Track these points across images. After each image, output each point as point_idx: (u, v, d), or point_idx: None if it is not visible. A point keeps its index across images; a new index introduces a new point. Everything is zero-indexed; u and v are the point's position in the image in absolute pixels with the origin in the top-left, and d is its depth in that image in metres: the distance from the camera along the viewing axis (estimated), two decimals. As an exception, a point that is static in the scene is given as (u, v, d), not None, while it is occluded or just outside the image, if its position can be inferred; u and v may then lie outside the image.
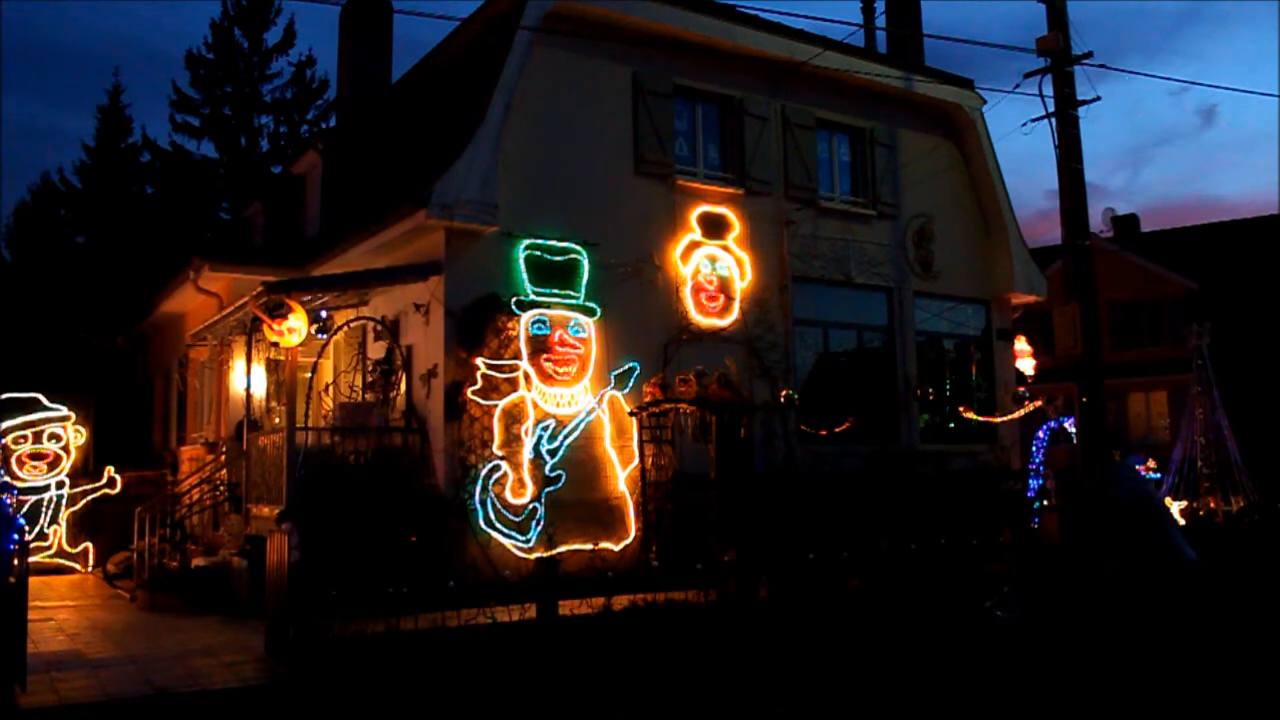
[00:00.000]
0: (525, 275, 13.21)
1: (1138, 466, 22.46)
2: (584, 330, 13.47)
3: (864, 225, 17.01)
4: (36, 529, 16.13)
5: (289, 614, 9.12)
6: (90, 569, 16.37)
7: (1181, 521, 17.89)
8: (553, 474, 12.88)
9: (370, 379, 14.38)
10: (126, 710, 7.66)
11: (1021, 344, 18.90)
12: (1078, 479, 13.63)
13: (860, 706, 8.25)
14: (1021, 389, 18.58)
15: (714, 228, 15.09)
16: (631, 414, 13.72)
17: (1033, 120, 13.74)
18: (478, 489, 12.42)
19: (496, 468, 12.54)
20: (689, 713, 8.08)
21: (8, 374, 20.90)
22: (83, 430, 17.34)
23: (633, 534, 13.40)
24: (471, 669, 8.67)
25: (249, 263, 17.01)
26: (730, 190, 15.45)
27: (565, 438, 13.08)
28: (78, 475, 17.09)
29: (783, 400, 15.19)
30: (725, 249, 15.15)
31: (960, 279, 18.11)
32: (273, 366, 15.36)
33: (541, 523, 12.68)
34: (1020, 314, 19.33)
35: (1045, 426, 16.88)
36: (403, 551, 10.87)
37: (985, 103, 18.31)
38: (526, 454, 12.71)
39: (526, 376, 12.86)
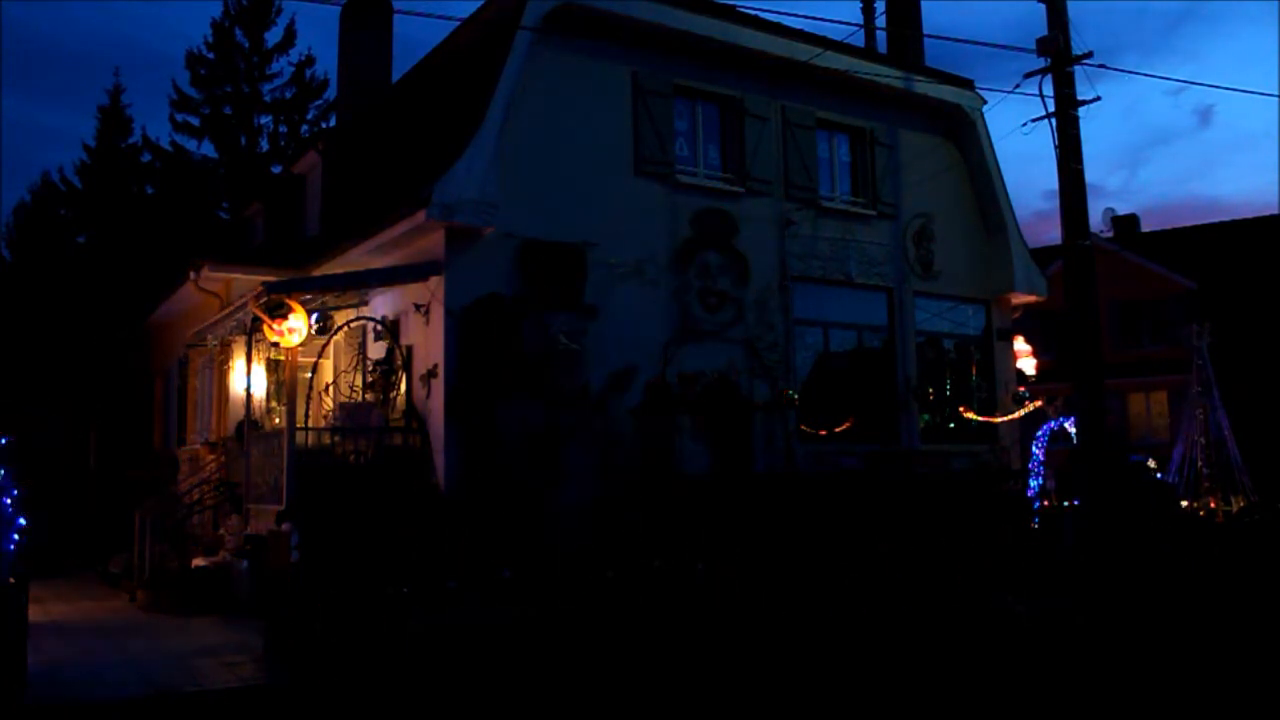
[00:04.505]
0: (525, 275, 13.20)
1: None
2: (584, 330, 13.45)
3: (864, 225, 17.00)
4: (37, 529, 16.11)
5: (289, 614, 9.13)
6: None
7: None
8: (553, 474, 12.87)
9: (370, 379, 14.38)
10: (126, 710, 7.67)
11: (1021, 344, 18.89)
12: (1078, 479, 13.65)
13: (863, 704, 8.25)
14: (1022, 389, 18.57)
15: (714, 227, 15.08)
16: (631, 413, 13.71)
17: (1033, 120, 13.73)
18: (478, 489, 12.40)
19: (496, 468, 12.53)
20: (690, 713, 8.08)
21: (8, 374, 20.91)
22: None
23: (633, 534, 13.38)
24: (472, 669, 8.67)
25: (249, 263, 17.00)
26: (730, 190, 15.45)
27: (565, 438, 13.06)
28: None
29: (783, 400, 15.18)
30: (725, 249, 15.14)
31: (960, 279, 18.10)
32: (273, 366, 15.37)
33: (541, 523, 12.66)
34: (1020, 314, 19.31)
35: (1045, 426, 16.87)
36: (403, 551, 10.86)
37: (985, 103, 18.31)
38: (526, 454, 12.70)
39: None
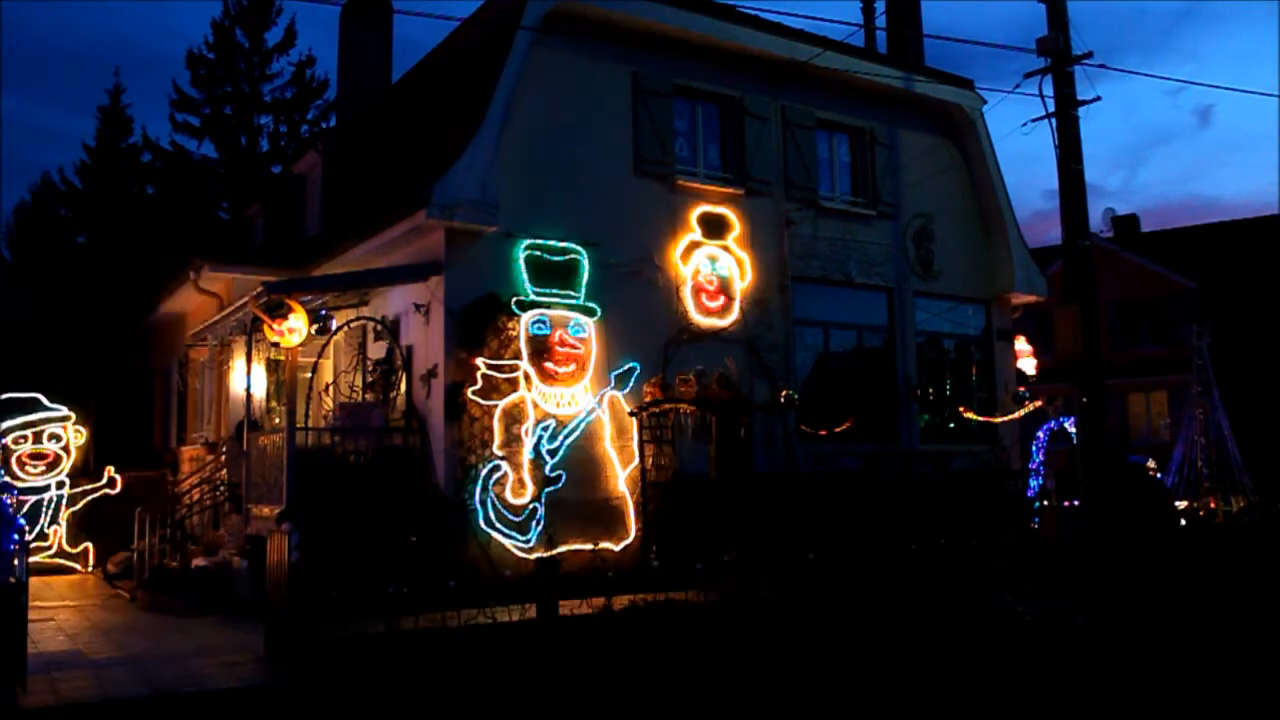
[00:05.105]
0: (525, 275, 13.21)
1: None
2: (584, 330, 13.46)
3: (864, 225, 17.00)
4: (37, 529, 16.11)
5: (289, 614, 9.12)
6: (90, 569, 16.36)
7: (1182, 521, 17.92)
8: (553, 474, 12.87)
9: (370, 379, 14.38)
10: (126, 710, 7.66)
11: (1022, 344, 18.90)
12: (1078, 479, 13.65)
13: (862, 704, 8.24)
14: (1022, 389, 18.58)
15: (714, 228, 15.08)
16: (632, 414, 13.71)
17: (1033, 120, 13.75)
18: (478, 489, 12.41)
19: (497, 468, 12.54)
20: (690, 713, 8.08)
21: (8, 374, 20.90)
22: (83, 430, 17.32)
23: (633, 534, 13.39)
24: (472, 669, 8.67)
25: (249, 263, 17.02)
26: (730, 190, 15.44)
27: (565, 438, 13.07)
28: (78, 475, 17.07)
29: (783, 400, 15.18)
30: (725, 249, 15.15)
31: (960, 279, 18.10)
32: (273, 366, 15.37)
33: (541, 523, 12.67)
34: (1020, 314, 19.31)
35: (1045, 426, 16.88)
36: (403, 551, 10.87)
37: (985, 103, 18.31)
38: (526, 454, 12.70)
39: (526, 377, 12.85)
